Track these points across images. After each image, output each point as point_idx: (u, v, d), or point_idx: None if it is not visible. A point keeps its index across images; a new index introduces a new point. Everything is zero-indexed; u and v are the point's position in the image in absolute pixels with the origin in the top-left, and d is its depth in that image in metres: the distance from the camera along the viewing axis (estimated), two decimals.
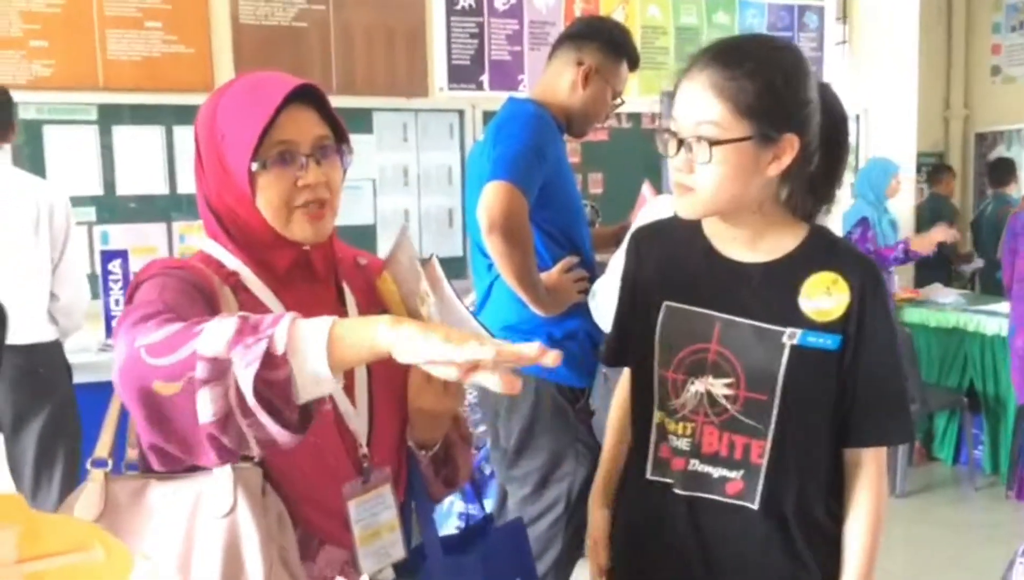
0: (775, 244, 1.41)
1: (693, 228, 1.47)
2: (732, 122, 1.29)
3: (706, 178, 1.32)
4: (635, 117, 4.64)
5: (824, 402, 1.38)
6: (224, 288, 1.19)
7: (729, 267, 1.42)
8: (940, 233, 4.57)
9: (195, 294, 1.15)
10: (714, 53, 1.34)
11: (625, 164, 4.56)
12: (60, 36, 3.69)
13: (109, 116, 3.77)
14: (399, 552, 1.29)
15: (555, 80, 2.38)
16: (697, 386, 1.40)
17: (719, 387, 1.39)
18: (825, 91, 1.40)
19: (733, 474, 1.39)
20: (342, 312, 1.29)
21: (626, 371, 1.60)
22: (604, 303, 2.15)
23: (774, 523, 1.39)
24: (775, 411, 1.36)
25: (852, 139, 5.26)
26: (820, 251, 1.40)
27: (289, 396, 0.96)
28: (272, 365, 0.94)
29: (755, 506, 1.38)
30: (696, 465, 1.41)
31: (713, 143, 1.29)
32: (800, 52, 1.41)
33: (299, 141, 1.20)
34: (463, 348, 0.94)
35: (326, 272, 1.29)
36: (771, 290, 1.38)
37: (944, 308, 4.68)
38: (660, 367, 1.44)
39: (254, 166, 1.17)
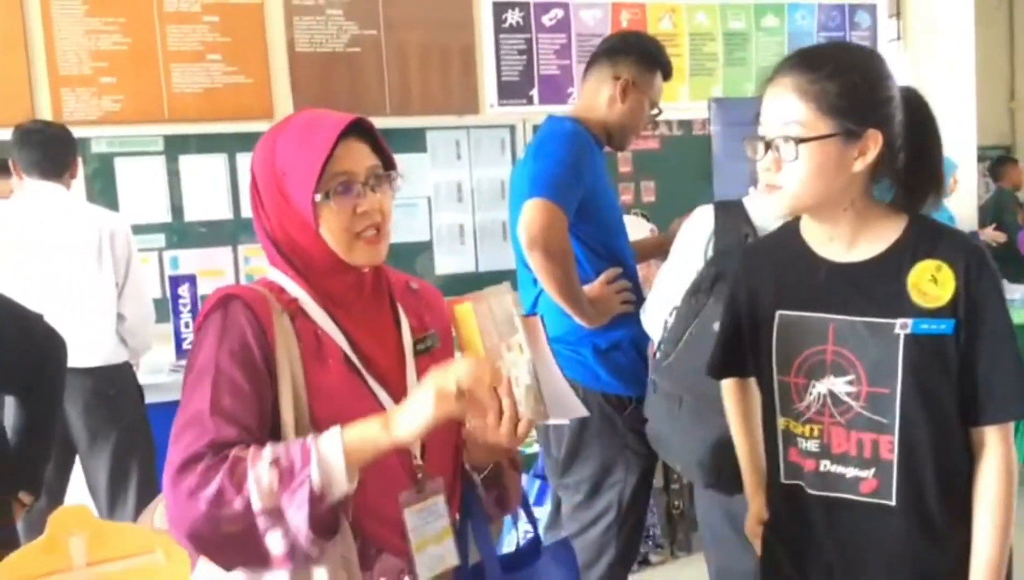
0: (875, 239, 1.44)
1: (793, 238, 1.53)
2: (816, 121, 1.35)
3: (793, 175, 1.38)
4: (686, 124, 4.65)
5: (946, 388, 1.40)
6: (283, 316, 1.27)
7: (834, 268, 1.46)
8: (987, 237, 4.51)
9: (249, 358, 1.24)
10: (796, 59, 1.41)
11: (677, 172, 4.58)
12: (127, 72, 3.87)
13: (175, 146, 3.93)
14: (453, 559, 1.35)
15: (593, 96, 2.44)
16: (819, 387, 1.45)
17: (841, 386, 1.43)
18: (909, 93, 1.44)
19: (865, 473, 1.43)
20: (397, 332, 1.37)
21: (728, 382, 1.68)
22: (654, 318, 2.19)
23: (914, 517, 1.41)
24: (898, 403, 1.39)
25: None
26: (922, 240, 1.42)
27: (323, 511, 1.16)
28: (315, 502, 1.13)
29: (892, 502, 1.41)
30: (828, 466, 1.45)
31: (799, 141, 1.35)
32: (879, 55, 1.46)
33: (356, 171, 1.29)
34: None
35: (379, 293, 1.38)
36: (878, 284, 1.42)
37: (1013, 305, 4.57)
38: (779, 374, 1.49)
39: (317, 197, 1.26)
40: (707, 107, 4.43)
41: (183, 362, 3.47)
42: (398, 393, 1.32)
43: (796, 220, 1.53)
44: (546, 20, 4.49)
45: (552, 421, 1.33)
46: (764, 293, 1.53)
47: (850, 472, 1.43)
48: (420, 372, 1.35)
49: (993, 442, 1.42)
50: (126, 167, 3.87)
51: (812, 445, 1.46)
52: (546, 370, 1.30)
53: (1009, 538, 1.41)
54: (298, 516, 1.12)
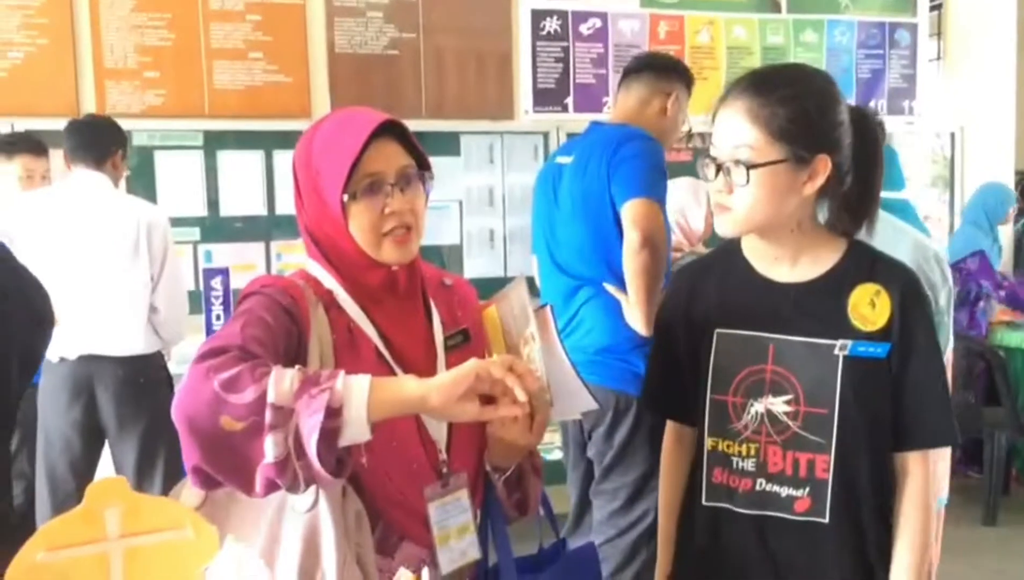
0: (816, 261, 1.47)
1: (733, 256, 1.53)
2: (766, 146, 1.37)
3: (744, 199, 1.39)
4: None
5: (882, 410, 1.42)
6: (318, 306, 1.31)
7: (774, 288, 1.48)
8: None
9: (280, 315, 1.26)
10: (748, 82, 1.42)
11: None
12: (171, 68, 3.94)
13: (214, 142, 3.99)
14: (474, 553, 1.38)
15: (641, 106, 2.52)
16: (757, 407, 1.45)
17: (779, 405, 1.44)
18: (856, 113, 1.46)
19: (800, 492, 1.43)
20: (428, 328, 1.40)
21: (670, 429, 1.64)
22: None
23: (847, 535, 1.43)
24: (835, 423, 1.40)
25: (947, 157, 5.14)
26: (861, 265, 1.45)
27: (334, 443, 1.11)
28: (331, 415, 1.09)
29: (826, 520, 1.42)
30: (763, 484, 1.46)
31: (749, 166, 1.36)
32: (830, 77, 1.48)
33: (385, 172, 1.31)
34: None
35: (412, 290, 1.40)
36: (818, 305, 1.44)
37: None
38: (714, 393, 1.49)
39: (345, 197, 1.29)
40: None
41: None
42: None
43: (737, 239, 1.54)
44: (584, 29, 4.51)
45: (559, 417, 1.35)
46: (702, 311, 1.53)
47: (784, 491, 1.44)
48: (450, 366, 1.36)
49: (915, 469, 1.44)
50: (166, 160, 3.94)
51: (748, 464, 1.46)
52: (555, 362, 1.32)
53: (926, 565, 1.44)
54: (310, 422, 1.09)
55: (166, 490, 3.11)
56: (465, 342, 1.43)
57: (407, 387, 1.16)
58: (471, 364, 1.16)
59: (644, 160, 2.30)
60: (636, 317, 2.30)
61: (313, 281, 1.36)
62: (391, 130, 1.33)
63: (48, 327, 1.96)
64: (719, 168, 1.40)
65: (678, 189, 3.20)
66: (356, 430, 1.12)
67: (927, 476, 1.45)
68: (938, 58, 5.14)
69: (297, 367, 1.14)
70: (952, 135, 5.12)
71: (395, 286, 1.37)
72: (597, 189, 2.34)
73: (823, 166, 1.39)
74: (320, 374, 1.13)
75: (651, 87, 2.52)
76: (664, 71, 2.55)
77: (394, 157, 1.33)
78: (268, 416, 1.09)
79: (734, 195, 1.40)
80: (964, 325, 4.33)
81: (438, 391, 1.14)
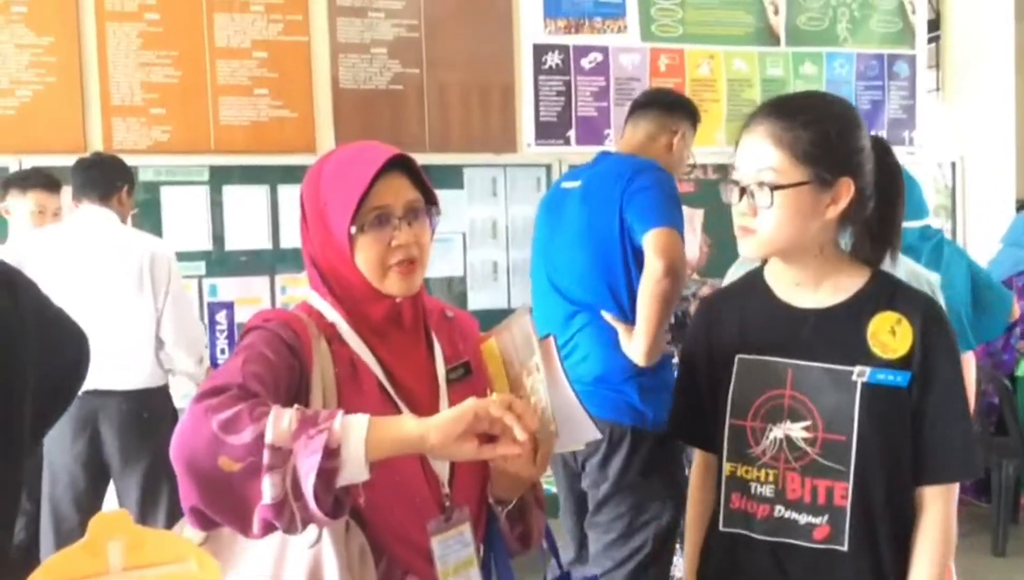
0: (838, 287, 1.47)
1: (757, 283, 1.55)
2: (790, 168, 1.39)
3: (768, 221, 1.41)
4: (722, 168, 4.67)
5: (901, 439, 1.42)
6: (320, 339, 1.31)
7: (795, 314, 1.48)
8: None
9: (282, 350, 1.27)
10: (771, 107, 1.45)
11: (712, 214, 4.59)
12: (177, 104, 3.99)
13: (219, 177, 4.03)
14: None
15: (648, 141, 2.56)
16: (776, 432, 1.45)
17: (797, 431, 1.44)
18: (876, 142, 1.48)
19: (818, 519, 1.43)
20: (430, 361, 1.41)
21: (698, 458, 1.64)
22: None
23: (865, 562, 1.42)
24: (854, 451, 1.40)
25: (948, 186, 5.17)
26: (883, 293, 1.45)
27: (331, 484, 1.11)
28: (328, 456, 1.09)
29: (845, 548, 1.42)
30: (782, 511, 1.45)
31: (774, 188, 1.38)
32: (850, 104, 1.51)
33: (393, 205, 1.33)
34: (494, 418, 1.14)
35: (415, 323, 1.40)
36: (837, 332, 1.44)
37: None
38: (734, 418, 1.49)
39: (353, 230, 1.30)
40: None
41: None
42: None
43: (761, 267, 1.56)
44: (585, 63, 4.56)
45: (563, 448, 1.35)
46: (726, 338, 1.54)
47: (803, 519, 1.44)
48: (453, 400, 1.38)
49: (934, 502, 1.43)
50: (172, 196, 3.98)
51: (767, 490, 1.46)
52: (559, 392, 1.32)
53: None
54: (307, 462, 1.08)
55: (170, 525, 3.10)
56: (467, 375, 1.43)
57: (406, 427, 1.15)
58: (469, 403, 1.16)
59: (660, 190, 2.32)
60: (639, 345, 2.29)
61: (316, 314, 1.37)
62: (400, 164, 1.35)
63: (86, 363, 1.98)
64: (743, 191, 1.42)
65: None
66: (354, 470, 1.11)
67: (947, 511, 1.43)
68: (937, 89, 5.18)
69: (296, 407, 1.14)
70: (953, 164, 5.14)
71: (399, 319, 1.38)
72: (606, 216, 2.35)
73: (846, 189, 1.41)
74: (319, 414, 1.13)
75: (658, 123, 2.57)
76: (671, 108, 2.60)
77: (402, 191, 1.34)
78: (266, 457, 1.08)
79: (758, 217, 1.41)
80: (999, 346, 4.32)
81: (436, 430, 1.14)
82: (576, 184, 2.49)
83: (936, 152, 5.11)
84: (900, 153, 4.88)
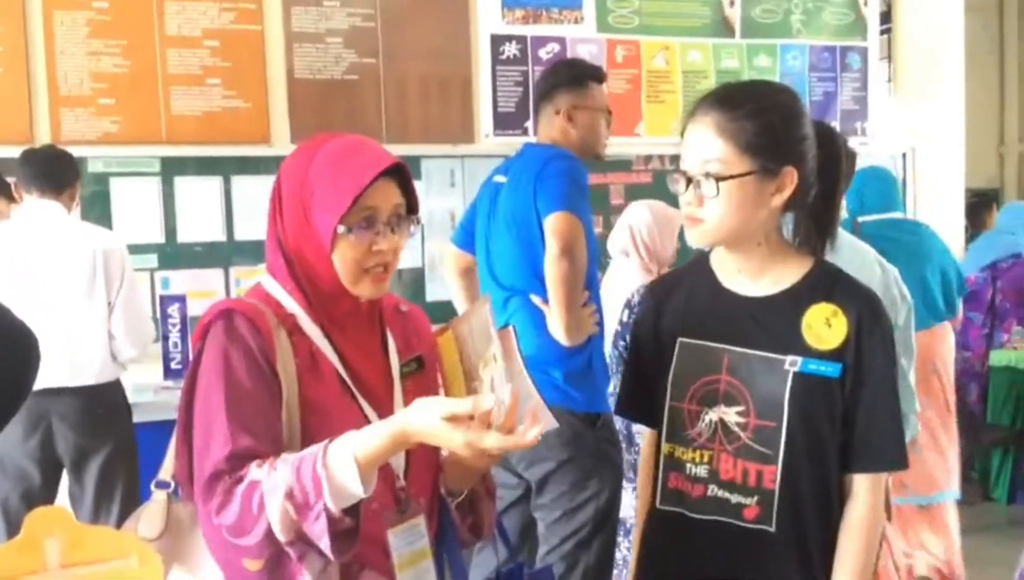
0: (780, 277, 1.50)
1: (703, 269, 1.57)
2: (735, 159, 1.41)
3: (714, 211, 1.43)
4: (677, 158, 4.69)
5: (828, 428, 1.45)
6: (280, 331, 1.31)
7: (735, 301, 1.51)
8: None
9: (256, 369, 1.28)
10: (715, 98, 1.46)
11: (668, 204, 4.62)
12: (127, 94, 3.91)
13: (171, 168, 3.97)
14: (431, 579, 1.38)
15: (550, 133, 2.59)
16: (711, 415, 1.49)
17: (731, 415, 1.47)
18: (820, 128, 1.51)
19: (749, 500, 1.46)
20: (384, 354, 1.41)
21: (648, 436, 1.67)
22: None
23: (792, 545, 1.46)
24: (783, 437, 1.43)
25: (900, 177, 5.25)
26: (822, 284, 1.48)
27: (346, 533, 1.21)
28: (334, 522, 1.17)
29: (773, 529, 1.45)
30: (715, 491, 1.49)
31: (719, 179, 1.40)
32: (795, 93, 1.53)
33: (381, 209, 1.32)
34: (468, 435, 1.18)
35: (371, 316, 1.41)
36: (775, 320, 1.47)
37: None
38: (673, 400, 1.52)
39: (341, 229, 1.29)
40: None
41: (170, 383, 3.49)
42: (386, 412, 1.35)
43: (707, 254, 1.58)
44: (543, 53, 4.56)
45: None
46: (670, 321, 1.58)
47: (735, 498, 1.47)
48: (406, 393, 1.40)
49: (862, 491, 1.47)
50: (122, 187, 3.91)
51: (702, 470, 1.50)
52: (517, 382, 1.33)
53: None
54: (323, 542, 1.18)
55: (123, 522, 3.07)
56: (420, 369, 1.44)
57: (392, 442, 1.20)
58: (459, 440, 1.19)
59: (565, 177, 2.39)
60: (557, 325, 2.38)
61: (273, 302, 1.35)
62: (391, 169, 1.34)
63: (36, 362, 1.94)
64: (689, 181, 1.44)
65: (649, 213, 3.24)
66: (355, 500, 1.20)
67: (875, 500, 1.48)
68: (889, 81, 5.25)
69: (285, 492, 1.17)
70: (904, 155, 5.23)
71: (356, 312, 1.38)
72: (525, 206, 2.44)
73: (790, 178, 1.43)
74: (306, 491, 1.17)
75: (546, 117, 2.60)
76: (547, 93, 2.61)
77: (391, 195, 1.34)
78: (294, 552, 1.20)
79: (704, 207, 1.43)
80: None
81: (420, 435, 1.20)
82: (504, 178, 2.58)
83: (888, 143, 5.19)
84: (852, 144, 4.97)
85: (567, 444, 2.38)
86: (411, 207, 1.38)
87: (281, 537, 1.17)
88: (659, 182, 4.71)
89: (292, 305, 1.35)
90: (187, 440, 1.30)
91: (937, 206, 5.17)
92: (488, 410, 1.18)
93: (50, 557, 0.74)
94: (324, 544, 1.17)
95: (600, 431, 2.46)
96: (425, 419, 1.18)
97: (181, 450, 1.31)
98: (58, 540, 0.75)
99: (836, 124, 5.04)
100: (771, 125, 1.42)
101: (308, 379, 1.30)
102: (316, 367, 1.32)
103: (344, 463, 1.17)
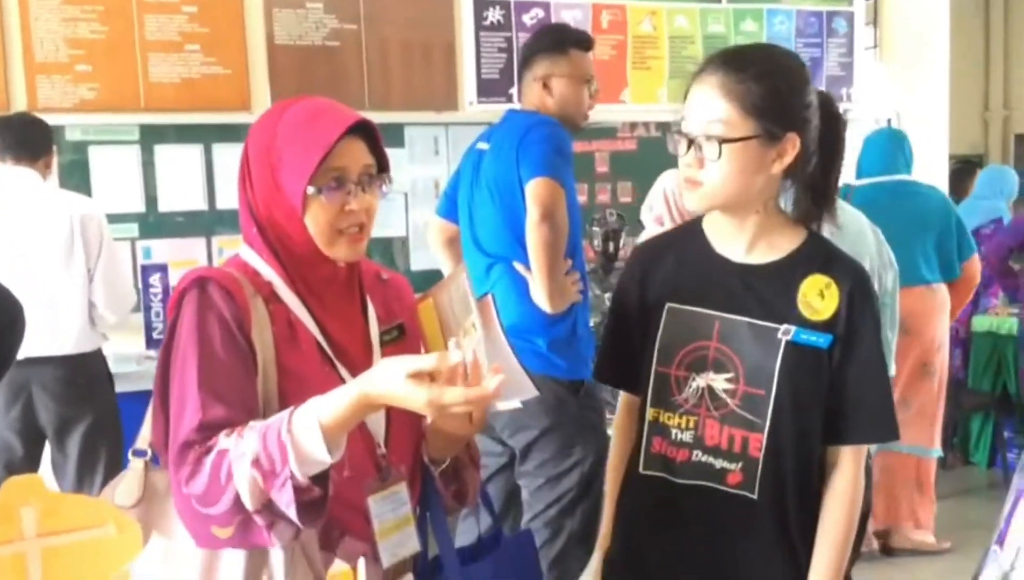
0: (774, 246, 1.49)
1: (695, 234, 1.55)
2: (739, 121, 1.39)
3: (714, 174, 1.41)
4: (663, 126, 4.68)
5: (816, 398, 1.45)
6: (256, 299, 1.29)
7: (728, 268, 1.50)
8: None
9: (229, 338, 1.26)
10: (722, 59, 1.44)
11: (654, 172, 4.55)
12: (104, 61, 3.84)
13: (151, 136, 3.91)
14: (414, 546, 1.39)
15: (530, 100, 2.59)
16: (699, 382, 1.48)
17: (720, 382, 1.47)
18: (823, 97, 1.49)
19: (733, 466, 1.47)
20: (365, 322, 1.40)
21: (623, 401, 1.67)
22: None
23: (773, 512, 1.46)
24: (771, 405, 1.43)
25: None
26: (816, 256, 1.48)
27: (313, 501, 1.19)
28: (301, 491, 1.16)
29: (755, 496, 1.46)
30: (699, 456, 1.49)
31: (722, 141, 1.38)
32: (801, 59, 1.51)
33: (351, 168, 1.30)
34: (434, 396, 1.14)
35: (350, 284, 1.40)
36: (768, 289, 1.46)
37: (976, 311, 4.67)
38: (660, 365, 1.51)
39: (310, 190, 1.27)
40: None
41: (152, 352, 3.47)
42: None
43: (699, 217, 1.57)
44: (527, 19, 4.50)
45: (502, 405, 1.35)
46: (657, 286, 1.56)
47: (719, 463, 1.48)
48: None
49: (846, 462, 1.49)
50: (100, 156, 3.85)
51: (687, 436, 1.50)
52: (497, 351, 1.32)
53: (845, 558, 1.48)
54: (290, 511, 1.16)
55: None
56: (401, 337, 1.43)
57: (355, 401, 1.17)
58: (422, 398, 1.14)
59: (547, 144, 2.39)
60: (538, 292, 2.39)
61: (251, 271, 1.34)
62: (358, 128, 1.32)
63: (21, 328, 1.92)
64: (691, 143, 1.42)
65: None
66: (319, 466, 1.17)
67: (857, 472, 1.49)
68: (874, 46, 5.23)
69: (252, 459, 1.15)
70: (888, 121, 5.22)
71: (335, 280, 1.37)
72: (508, 172, 2.44)
73: (792, 145, 1.42)
74: (272, 457, 1.15)
75: (527, 86, 2.59)
76: (527, 61, 2.59)
77: (359, 155, 1.32)
78: (261, 521, 1.18)
79: (704, 170, 1.42)
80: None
81: (380, 389, 1.16)
82: (487, 145, 2.58)
83: (872, 108, 5.18)
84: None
85: (550, 412, 2.39)
86: (381, 166, 1.36)
87: (249, 506, 1.16)
88: (644, 149, 4.68)
89: (269, 273, 1.33)
90: (164, 408, 1.29)
91: (921, 172, 5.16)
92: (455, 365, 1.15)
93: (26, 526, 0.73)
94: (292, 512, 1.16)
95: (584, 398, 2.47)
96: (386, 380, 1.15)
97: (157, 418, 1.30)
98: (34, 509, 0.74)
99: (822, 88, 5.03)
100: (777, 89, 1.40)
101: (286, 347, 1.29)
102: (294, 336, 1.31)
103: (309, 429, 1.15)
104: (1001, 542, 1.04)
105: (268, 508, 1.17)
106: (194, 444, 1.20)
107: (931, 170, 5.09)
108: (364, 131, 1.33)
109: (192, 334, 1.26)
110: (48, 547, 0.76)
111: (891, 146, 3.73)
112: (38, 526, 0.75)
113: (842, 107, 5.08)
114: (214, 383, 1.23)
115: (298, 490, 1.15)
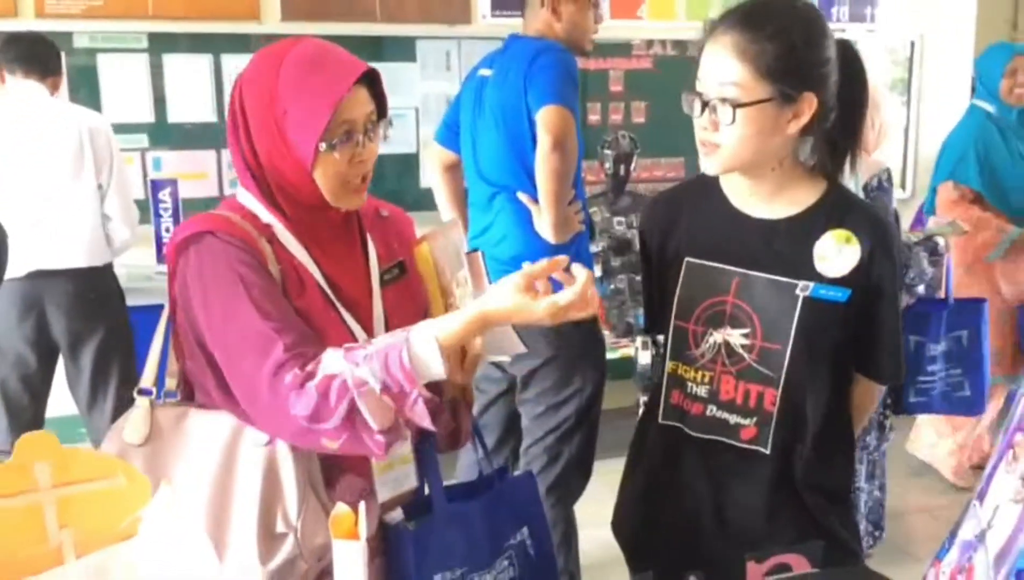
0: (793, 200, 1.48)
1: (712, 189, 1.54)
2: (754, 84, 1.36)
3: (730, 137, 1.39)
4: (680, 45, 4.58)
5: (828, 352, 1.47)
6: (262, 240, 1.30)
7: (747, 223, 1.50)
8: None
9: (263, 271, 1.27)
10: (736, 17, 1.40)
11: (670, 93, 4.45)
12: None
13: (159, 44, 3.86)
14: (412, 482, 1.43)
15: (536, 24, 2.52)
16: (716, 337, 1.49)
17: (736, 337, 1.48)
18: (844, 49, 1.45)
19: (747, 421, 1.49)
20: (365, 262, 1.40)
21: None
22: None
23: (782, 466, 1.49)
24: (787, 360, 1.45)
25: (905, 68, 5.14)
26: (836, 208, 1.47)
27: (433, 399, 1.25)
28: (428, 403, 1.21)
29: (767, 450, 1.48)
30: (714, 411, 1.51)
31: (736, 105, 1.36)
32: (818, 11, 1.47)
33: (358, 120, 1.30)
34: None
35: (349, 224, 1.41)
36: (786, 245, 1.46)
37: None
38: (678, 319, 1.53)
39: (322, 147, 1.26)
40: (703, 27, 4.36)
41: (163, 268, 3.49)
42: (366, 321, 1.37)
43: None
44: None
45: (491, 357, 1.38)
46: (675, 240, 1.57)
47: (733, 419, 1.50)
48: (387, 301, 1.40)
49: (864, 390, 1.59)
50: (109, 63, 3.81)
51: (702, 390, 1.52)
52: None
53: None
54: (424, 422, 1.21)
55: (119, 405, 3.14)
56: (402, 275, 1.44)
57: (467, 325, 1.22)
58: (541, 306, 1.23)
59: (555, 70, 2.35)
60: (545, 221, 2.38)
61: (250, 216, 1.34)
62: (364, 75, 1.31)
63: (4, 252, 1.95)
64: (705, 105, 1.40)
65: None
66: (437, 378, 1.23)
67: (873, 395, 1.60)
68: None
69: (380, 388, 1.18)
70: (912, 43, 5.09)
71: (335, 223, 1.38)
72: (514, 99, 2.40)
73: (809, 104, 1.39)
74: (400, 383, 1.18)
75: (532, 4, 2.53)
76: None
77: (364, 104, 1.31)
78: (388, 439, 1.21)
79: (719, 132, 1.40)
80: None
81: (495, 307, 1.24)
82: (490, 72, 2.53)
83: (895, 31, 5.05)
84: (860, 30, 4.87)
85: (552, 341, 2.41)
86: (381, 111, 1.35)
87: (375, 426, 1.19)
88: (661, 68, 4.59)
89: (268, 216, 1.33)
90: (187, 353, 1.33)
91: (942, 95, 5.08)
92: (563, 259, 1.26)
93: (41, 479, 0.77)
94: (427, 423, 1.21)
95: (585, 330, 2.48)
96: (502, 298, 1.22)
97: (189, 357, 1.34)
98: (47, 464, 0.77)
99: (845, 9, 4.89)
100: (793, 47, 1.36)
101: (293, 290, 1.30)
102: (300, 279, 1.32)
103: (429, 350, 1.19)
104: (981, 498, 1.07)
105: (396, 427, 1.23)
106: (287, 369, 1.20)
107: (953, 93, 4.99)
108: (365, 76, 1.31)
109: (226, 276, 1.26)
110: (62, 497, 0.80)
111: None
112: (52, 478, 0.79)
113: (864, 28, 4.95)
114: (273, 313, 1.24)
115: (426, 402, 1.20)
